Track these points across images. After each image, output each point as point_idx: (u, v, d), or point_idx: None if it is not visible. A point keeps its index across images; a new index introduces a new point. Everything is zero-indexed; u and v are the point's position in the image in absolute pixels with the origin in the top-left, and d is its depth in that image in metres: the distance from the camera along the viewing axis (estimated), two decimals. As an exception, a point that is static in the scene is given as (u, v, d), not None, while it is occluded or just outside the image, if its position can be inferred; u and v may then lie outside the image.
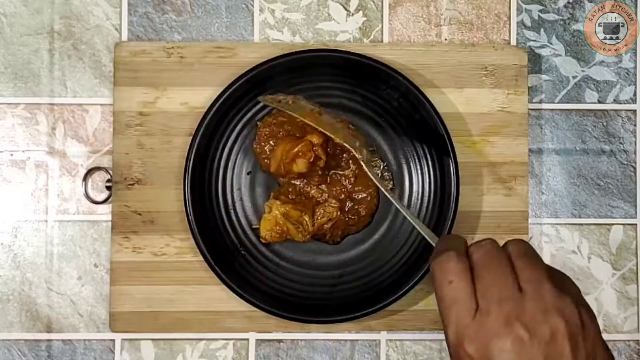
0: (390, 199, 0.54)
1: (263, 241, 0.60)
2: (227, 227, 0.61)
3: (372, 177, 0.55)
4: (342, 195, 0.61)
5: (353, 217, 0.61)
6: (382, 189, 0.55)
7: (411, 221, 0.51)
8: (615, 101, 0.65)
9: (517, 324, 0.38)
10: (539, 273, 0.40)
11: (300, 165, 0.58)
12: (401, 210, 0.53)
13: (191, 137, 0.59)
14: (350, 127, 0.60)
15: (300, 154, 0.58)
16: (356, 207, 0.61)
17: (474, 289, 0.40)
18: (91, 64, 0.63)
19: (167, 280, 0.61)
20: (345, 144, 0.56)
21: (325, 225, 0.60)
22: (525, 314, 0.38)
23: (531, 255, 0.42)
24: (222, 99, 0.59)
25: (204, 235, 0.59)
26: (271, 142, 0.60)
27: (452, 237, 0.45)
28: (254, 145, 0.61)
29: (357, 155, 0.56)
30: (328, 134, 0.56)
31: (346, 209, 0.61)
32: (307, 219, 0.59)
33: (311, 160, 0.58)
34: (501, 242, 0.42)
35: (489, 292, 0.39)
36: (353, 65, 0.60)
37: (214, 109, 0.59)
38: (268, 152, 0.61)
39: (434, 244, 0.46)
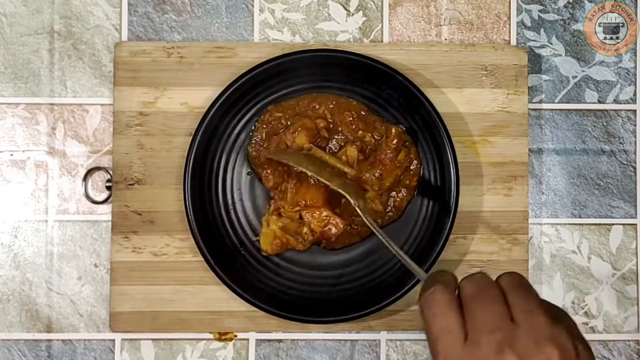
0: (385, 241, 0.52)
1: (264, 254, 0.60)
2: (227, 227, 0.61)
3: (369, 224, 0.54)
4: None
5: (356, 227, 0.61)
6: (378, 233, 0.53)
7: (401, 259, 0.50)
8: (615, 101, 0.65)
9: (510, 354, 0.37)
10: (533, 304, 0.39)
11: (302, 137, 0.58)
12: (391, 248, 0.51)
13: (191, 137, 0.59)
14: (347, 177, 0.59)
15: (304, 127, 0.59)
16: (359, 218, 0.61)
17: (464, 321, 0.39)
18: (91, 64, 0.63)
19: (167, 280, 0.61)
20: (343, 192, 0.55)
21: (328, 234, 0.59)
22: (518, 343, 0.37)
23: (525, 286, 0.41)
24: (222, 99, 0.59)
25: (204, 235, 0.59)
26: (265, 146, 0.60)
27: (440, 272, 0.44)
28: (249, 149, 0.61)
29: (352, 201, 0.55)
30: (324, 180, 0.55)
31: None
32: (305, 229, 0.58)
33: (315, 135, 0.58)
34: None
35: (479, 322, 0.38)
36: (353, 65, 0.60)
37: (214, 109, 0.59)
38: (262, 158, 0.61)
39: (422, 281, 0.44)
